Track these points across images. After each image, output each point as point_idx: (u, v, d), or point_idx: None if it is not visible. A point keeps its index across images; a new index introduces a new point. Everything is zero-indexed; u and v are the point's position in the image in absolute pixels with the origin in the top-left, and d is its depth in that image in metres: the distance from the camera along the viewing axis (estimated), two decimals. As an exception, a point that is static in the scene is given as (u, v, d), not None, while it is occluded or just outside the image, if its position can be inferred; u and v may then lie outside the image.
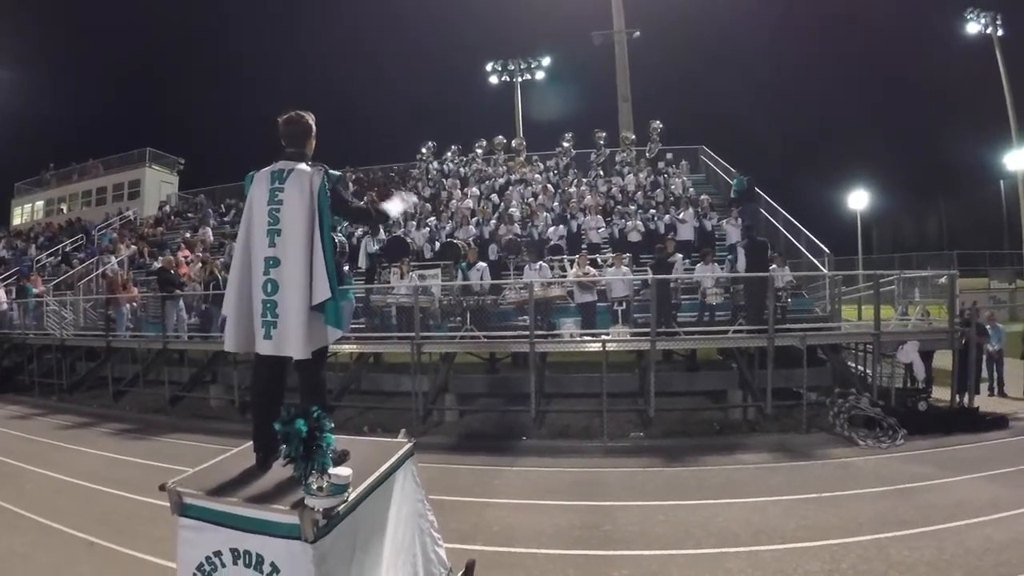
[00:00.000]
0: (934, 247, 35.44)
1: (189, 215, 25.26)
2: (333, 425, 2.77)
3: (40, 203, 33.86)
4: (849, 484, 6.87)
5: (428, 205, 18.33)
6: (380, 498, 3.13)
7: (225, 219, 23.10)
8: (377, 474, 3.08)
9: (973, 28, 29.79)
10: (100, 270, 18.48)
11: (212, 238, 19.99)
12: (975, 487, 6.66)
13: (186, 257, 16.95)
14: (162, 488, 2.76)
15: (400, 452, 3.45)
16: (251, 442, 3.22)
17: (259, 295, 3.19)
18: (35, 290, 16.86)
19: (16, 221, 33.31)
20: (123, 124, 50.71)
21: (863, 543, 5.22)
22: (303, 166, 3.26)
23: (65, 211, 32.12)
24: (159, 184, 31.55)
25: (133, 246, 20.95)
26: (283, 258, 3.16)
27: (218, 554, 2.68)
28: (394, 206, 3.78)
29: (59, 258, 22.16)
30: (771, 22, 47.00)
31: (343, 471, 2.69)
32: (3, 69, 37.42)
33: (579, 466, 8.17)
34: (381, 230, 15.98)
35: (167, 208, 27.71)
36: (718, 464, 7.99)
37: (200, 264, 15.27)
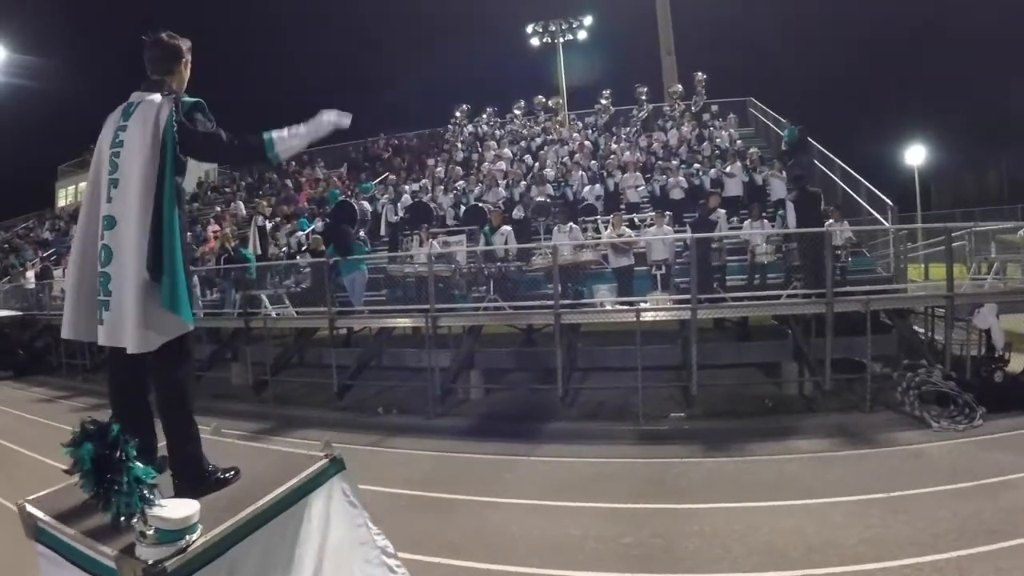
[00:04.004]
0: (994, 202, 32.21)
1: (225, 189, 24.96)
2: (136, 453, 1.91)
3: (83, 184, 33.68)
4: (921, 480, 5.67)
5: (459, 169, 17.37)
6: (274, 535, 2.32)
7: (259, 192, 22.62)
8: (262, 503, 2.27)
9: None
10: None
11: (244, 211, 19.51)
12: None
13: (215, 232, 16.62)
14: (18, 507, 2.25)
15: (310, 470, 2.59)
16: None
17: (96, 266, 2.40)
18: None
19: (61, 203, 33.38)
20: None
21: (941, 563, 4.09)
22: (155, 96, 2.42)
23: (108, 191, 32.26)
24: (199, 158, 31.40)
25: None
26: (119, 216, 2.34)
27: None
28: (291, 139, 2.57)
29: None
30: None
31: (178, 512, 1.89)
32: (40, 53, 37.70)
33: (605, 455, 7.17)
34: (406, 195, 15.14)
35: (205, 184, 27.50)
36: (768, 453, 6.86)
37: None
